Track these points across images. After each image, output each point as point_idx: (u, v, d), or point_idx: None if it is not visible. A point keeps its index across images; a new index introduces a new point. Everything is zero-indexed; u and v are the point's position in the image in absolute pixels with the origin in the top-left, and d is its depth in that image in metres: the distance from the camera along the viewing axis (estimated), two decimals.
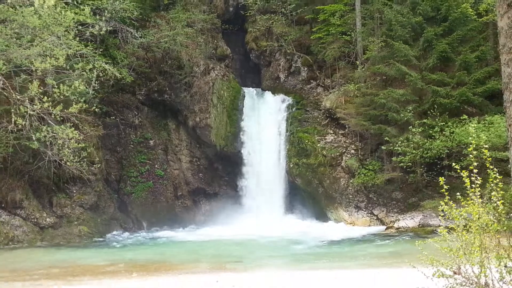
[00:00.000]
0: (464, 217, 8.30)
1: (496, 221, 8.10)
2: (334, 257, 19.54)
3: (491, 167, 8.19)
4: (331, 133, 30.70)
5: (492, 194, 8.12)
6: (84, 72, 22.16)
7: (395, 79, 28.59)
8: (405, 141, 25.62)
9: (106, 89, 28.16)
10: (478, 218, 8.11)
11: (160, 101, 32.60)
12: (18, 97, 19.75)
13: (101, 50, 26.96)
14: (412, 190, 27.32)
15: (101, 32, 23.26)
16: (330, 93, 32.02)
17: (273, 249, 23.06)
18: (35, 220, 25.90)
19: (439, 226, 8.86)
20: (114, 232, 28.58)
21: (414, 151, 25.41)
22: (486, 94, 26.01)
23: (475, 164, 8.34)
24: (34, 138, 21.09)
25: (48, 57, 19.63)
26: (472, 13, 27.20)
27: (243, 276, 15.98)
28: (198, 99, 32.17)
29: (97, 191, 28.46)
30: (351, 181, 28.75)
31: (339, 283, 13.58)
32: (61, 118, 20.94)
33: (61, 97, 19.24)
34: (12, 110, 19.71)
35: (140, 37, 30.08)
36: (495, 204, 8.13)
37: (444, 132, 25.12)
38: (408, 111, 26.09)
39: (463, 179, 8.30)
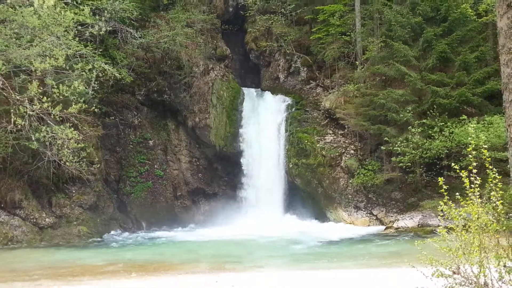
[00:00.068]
0: (464, 217, 8.29)
1: (495, 221, 8.10)
2: (333, 257, 19.52)
3: (490, 167, 8.19)
4: (330, 133, 30.72)
5: (491, 194, 8.11)
6: (83, 72, 22.19)
7: (394, 80, 28.62)
8: (404, 141, 25.62)
9: (106, 89, 28.15)
10: (478, 218, 8.10)
11: (159, 101, 32.59)
12: (18, 97, 19.73)
13: (100, 50, 26.99)
14: (412, 190, 27.34)
15: (101, 32, 23.26)
16: (330, 93, 32.02)
17: (273, 249, 23.06)
18: (35, 220, 25.90)
19: (439, 226, 8.97)
20: (114, 232, 28.58)
21: (413, 151, 25.41)
22: (486, 95, 26.02)
23: (475, 164, 8.33)
24: (33, 138, 21.01)
25: (47, 57, 19.67)
26: (472, 14, 27.18)
27: (242, 276, 15.95)
28: (198, 99, 32.16)
29: (97, 191, 28.45)
30: (350, 181, 28.77)
31: (338, 283, 13.54)
32: (61, 118, 21.01)
33: (61, 97, 19.28)
34: (12, 110, 19.74)
35: (139, 37, 30.06)
36: (494, 204, 8.11)
37: (443, 132, 25.11)
38: (408, 111, 26.09)
39: (463, 179, 8.29)
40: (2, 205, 25.38)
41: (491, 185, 8.14)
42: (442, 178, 9.00)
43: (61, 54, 20.13)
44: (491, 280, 7.89)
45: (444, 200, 8.44)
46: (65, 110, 19.70)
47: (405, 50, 26.95)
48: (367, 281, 13.58)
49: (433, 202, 23.79)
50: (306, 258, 20.20)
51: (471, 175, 8.27)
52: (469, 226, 8.14)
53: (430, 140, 25.40)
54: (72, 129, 20.86)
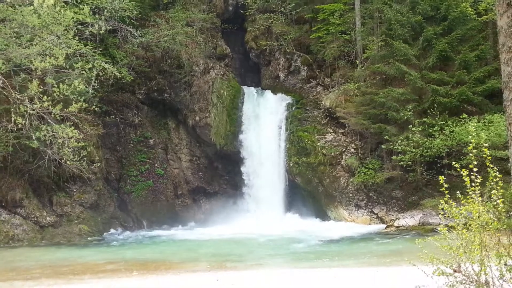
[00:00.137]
0: (464, 215, 8.30)
1: (496, 219, 8.09)
2: (334, 256, 19.46)
3: (491, 165, 8.17)
4: (331, 132, 30.68)
5: (492, 192, 8.11)
6: (83, 71, 22.22)
7: (394, 78, 28.58)
8: (405, 140, 25.60)
9: (106, 88, 28.18)
10: (478, 217, 8.10)
11: (159, 100, 32.61)
12: (18, 96, 19.83)
13: (100, 49, 27.01)
14: (412, 189, 27.30)
15: (101, 31, 23.44)
16: (330, 92, 31.97)
17: (273, 247, 23.04)
18: (35, 219, 26.00)
19: (439, 224, 8.76)
20: (114, 231, 28.69)
21: (414, 150, 25.36)
22: (486, 93, 25.98)
23: (475, 162, 8.34)
24: (34, 137, 21.15)
25: (47, 56, 19.71)
26: (472, 12, 27.20)
27: (243, 274, 15.95)
28: (198, 98, 32.17)
29: (97, 190, 28.54)
30: (351, 180, 28.75)
31: (338, 282, 13.50)
32: (61, 117, 20.97)
33: (61, 96, 19.34)
34: (12, 109, 19.79)
35: (139, 36, 30.08)
36: (495, 203, 8.12)
37: (444, 131, 25.11)
38: (408, 110, 26.08)
39: (463, 177, 8.27)
40: (3, 204, 25.45)
41: (492, 183, 8.12)
42: (442, 176, 8.96)
43: (61, 53, 20.10)
44: (492, 278, 7.88)
45: (445, 198, 8.43)
46: (65, 109, 19.73)
47: (405, 49, 26.93)
48: (367, 279, 13.54)
49: (433, 201, 23.81)
50: (307, 256, 20.14)
51: (471, 173, 8.27)
52: (470, 225, 8.13)
53: (430, 138, 25.36)
54: (73, 128, 20.92)
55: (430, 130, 25.46)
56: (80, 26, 23.24)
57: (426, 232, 22.45)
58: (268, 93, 34.39)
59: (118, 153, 31.48)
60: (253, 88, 35.44)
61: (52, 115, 20.27)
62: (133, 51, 30.35)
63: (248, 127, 32.61)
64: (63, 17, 20.49)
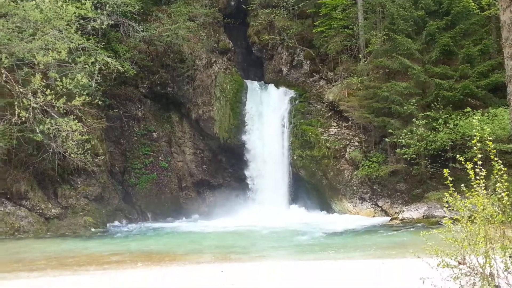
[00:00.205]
0: (469, 208, 8.24)
1: (500, 212, 8.04)
2: (339, 248, 19.50)
3: (495, 159, 8.12)
4: (334, 126, 30.73)
5: (496, 185, 8.06)
6: (86, 66, 22.21)
7: (398, 72, 28.61)
8: (408, 133, 25.63)
9: (109, 82, 28.22)
10: (483, 209, 8.03)
11: (163, 94, 32.65)
12: (21, 90, 19.93)
13: (103, 43, 27.06)
14: (417, 182, 27.33)
15: (103, 26, 23.32)
16: (333, 86, 32.01)
17: (277, 240, 23.09)
18: (41, 211, 26.16)
19: (444, 217, 8.71)
20: (119, 223, 28.96)
21: (418, 143, 25.39)
22: (490, 87, 26.02)
23: (479, 156, 8.29)
24: (38, 131, 21.22)
25: (50, 50, 19.74)
26: (475, 7, 27.16)
27: (247, 266, 16.04)
28: (201, 92, 32.23)
29: (102, 182, 28.72)
30: (355, 173, 28.83)
31: (343, 274, 13.54)
32: (64, 111, 21.06)
33: (64, 90, 19.39)
34: (16, 103, 19.92)
35: (142, 30, 30.09)
36: (500, 196, 8.07)
37: (448, 125, 25.14)
38: (412, 103, 26.07)
39: (468, 171, 8.19)
40: (8, 196, 25.63)
41: (496, 176, 8.05)
42: (447, 169, 8.88)
43: (64, 48, 20.17)
44: (497, 270, 7.83)
45: (449, 191, 8.38)
46: (68, 103, 19.85)
47: (408, 43, 26.92)
48: (372, 271, 13.56)
49: (438, 194, 23.85)
50: (311, 249, 20.12)
51: (476, 166, 8.22)
52: (474, 217, 8.08)
53: (434, 132, 25.39)
54: (76, 121, 21.00)
55: (434, 124, 25.49)
56: (82, 21, 23.07)
57: (430, 224, 22.55)
58: (271, 87, 34.42)
59: (122, 146, 31.60)
60: (256, 82, 35.47)
61: (56, 109, 20.41)
62: (136, 45, 30.35)
63: (251, 121, 32.69)
64: (65, 11, 20.45)
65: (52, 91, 19.16)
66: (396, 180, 27.93)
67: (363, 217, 27.50)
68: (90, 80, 24.23)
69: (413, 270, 10.31)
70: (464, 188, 8.43)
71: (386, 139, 27.35)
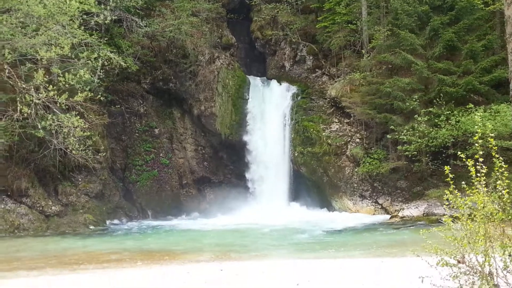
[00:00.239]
0: (469, 206, 8.16)
1: (501, 210, 7.98)
2: (338, 246, 19.41)
3: (496, 156, 8.07)
4: (336, 122, 30.62)
5: (497, 183, 8.00)
6: (89, 61, 22.17)
7: (400, 68, 28.49)
8: (410, 130, 25.56)
9: (111, 78, 28.11)
10: (483, 207, 7.97)
11: (165, 90, 32.56)
12: (24, 85, 19.82)
13: (106, 39, 27.10)
14: (417, 179, 27.27)
15: (106, 21, 23.50)
16: (336, 82, 31.87)
17: (277, 238, 22.97)
18: (41, 208, 26.09)
19: (444, 215, 8.75)
20: (119, 221, 28.83)
21: (419, 140, 25.32)
22: (493, 83, 25.91)
23: (481, 153, 8.22)
24: (39, 127, 21.11)
25: (53, 46, 19.63)
26: (479, 2, 26.95)
27: (247, 264, 15.92)
28: (203, 88, 32.12)
29: (102, 179, 28.63)
30: (356, 170, 28.71)
31: (343, 272, 13.45)
32: (67, 107, 21.10)
33: (66, 86, 19.35)
34: (18, 98, 19.83)
35: (145, 26, 29.94)
36: (500, 193, 8.01)
37: (449, 121, 25.03)
38: (414, 99, 25.98)
39: (469, 168, 8.14)
40: (9, 193, 25.56)
41: (497, 174, 8.01)
42: (448, 167, 8.82)
43: (67, 43, 20.08)
44: (496, 269, 7.79)
45: (449, 189, 8.28)
46: (71, 99, 19.81)
47: (411, 39, 26.82)
48: (372, 270, 13.48)
49: (438, 191, 23.78)
50: (311, 247, 19.99)
51: (477, 164, 8.16)
52: (474, 215, 8.01)
53: (436, 128, 25.31)
54: (78, 117, 20.93)
55: (436, 120, 25.37)
56: (85, 16, 23.06)
57: (430, 222, 22.44)
58: (273, 83, 34.33)
59: (123, 142, 31.53)
60: (258, 78, 35.39)
61: (58, 105, 20.43)
62: (139, 40, 30.24)
63: (253, 117, 32.58)
64: (69, 7, 20.37)
65: (55, 87, 19.11)
66: (396, 178, 27.83)
67: (363, 215, 27.46)
68: (93, 75, 24.12)
69: (413, 269, 10.38)
70: (465, 186, 8.35)
71: (388, 136, 27.29)
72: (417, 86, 26.80)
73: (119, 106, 30.15)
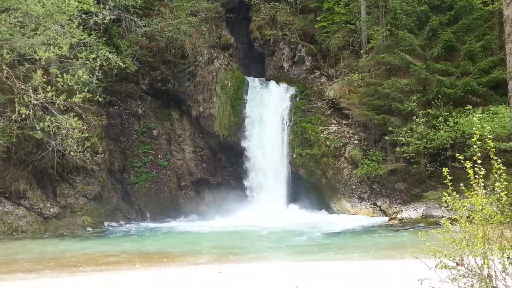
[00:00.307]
0: (467, 208, 8.12)
1: (499, 212, 7.91)
2: (336, 248, 19.39)
3: (495, 157, 8.01)
4: (334, 123, 30.53)
5: (495, 185, 7.93)
6: (87, 61, 22.10)
7: (399, 69, 28.44)
8: (408, 131, 25.49)
9: (110, 79, 27.94)
10: (482, 209, 7.91)
11: (163, 91, 32.45)
12: (22, 86, 19.81)
13: (104, 39, 26.92)
14: (416, 181, 27.19)
15: (105, 21, 23.47)
16: (334, 82, 31.79)
17: (276, 240, 22.96)
18: (39, 211, 26.03)
19: (442, 217, 8.66)
20: (118, 223, 28.81)
21: (417, 142, 25.25)
22: (491, 84, 25.85)
23: (479, 154, 8.18)
24: (38, 128, 21.07)
25: (51, 46, 19.59)
26: (478, 2, 26.88)
27: (245, 267, 15.91)
28: (202, 89, 32.02)
29: (101, 181, 28.56)
30: (354, 171, 28.59)
31: (342, 274, 13.49)
32: (65, 108, 20.74)
33: (65, 86, 19.24)
34: (16, 99, 19.75)
35: (143, 26, 29.80)
36: (499, 195, 7.94)
37: (448, 123, 24.99)
38: (412, 101, 25.91)
39: (467, 169, 8.11)
40: (7, 195, 25.47)
41: (496, 175, 7.92)
42: (446, 168, 8.75)
43: (65, 43, 20.01)
44: (495, 271, 7.73)
45: (448, 191, 8.25)
46: (69, 100, 19.74)
47: (410, 39, 26.77)
48: (371, 272, 13.49)
49: (437, 193, 23.85)
50: (309, 249, 20.04)
51: (475, 165, 8.13)
52: (473, 217, 7.98)
53: (434, 130, 25.26)
54: (76, 118, 20.85)
55: (434, 122, 25.33)
56: (84, 16, 22.99)
57: (429, 224, 22.49)
58: (272, 83, 34.23)
59: (122, 144, 31.42)
60: (257, 78, 35.30)
61: (56, 106, 20.19)
62: (137, 40, 30.11)
63: (251, 118, 32.47)
64: (67, 6, 20.37)
65: (53, 88, 19.03)
66: (395, 179, 27.76)
67: (361, 217, 27.38)
68: (91, 76, 24.05)
69: (412, 271, 10.22)
70: (463, 188, 8.32)
71: (386, 137, 27.20)
72: (415, 87, 26.75)
73: (117, 107, 30.01)
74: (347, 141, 29.78)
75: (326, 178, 29.62)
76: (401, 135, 25.61)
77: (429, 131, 25.27)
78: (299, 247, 20.96)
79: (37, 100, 19.44)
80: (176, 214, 31.05)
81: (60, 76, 19.37)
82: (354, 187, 28.76)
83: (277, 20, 35.24)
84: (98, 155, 25.36)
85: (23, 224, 25.13)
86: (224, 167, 33.78)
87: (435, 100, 25.53)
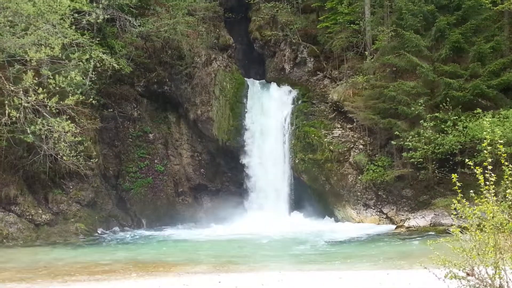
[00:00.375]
0: (478, 216, 8.22)
1: (511, 220, 8.02)
2: (340, 258, 19.18)
3: (506, 163, 8.15)
4: (338, 127, 30.10)
5: (507, 192, 8.08)
6: (80, 62, 21.92)
7: (405, 71, 28.10)
8: (416, 135, 25.19)
9: (104, 80, 27.67)
10: (493, 217, 8.00)
11: (159, 93, 32.02)
12: (12, 88, 19.95)
13: (98, 39, 26.60)
14: (423, 188, 26.80)
15: (98, 21, 23.97)
16: (338, 85, 31.36)
17: (277, 249, 22.81)
18: (30, 217, 25.80)
19: (452, 225, 8.69)
20: (112, 230, 28.42)
21: (425, 147, 24.96)
22: (501, 87, 25.48)
23: (490, 160, 8.25)
24: (29, 131, 21.17)
25: (43, 46, 19.77)
26: (487, 2, 26.40)
27: (245, 276, 15.65)
28: (200, 91, 31.54)
29: (95, 187, 28.28)
30: (359, 177, 28.21)
31: (346, 284, 13.33)
32: (57, 111, 20.96)
33: (57, 88, 19.59)
34: (6, 101, 19.88)
35: (139, 25, 29.37)
36: (511, 203, 8.06)
37: (457, 127, 24.62)
38: (419, 104, 25.59)
39: (477, 176, 8.17)
40: None
41: (507, 182, 8.08)
42: (455, 174, 8.90)
43: (57, 43, 20.17)
44: (507, 282, 7.86)
45: (457, 198, 8.31)
46: (61, 102, 19.87)
47: (416, 40, 26.43)
48: (376, 282, 13.17)
49: (446, 200, 23.60)
50: (312, 258, 19.87)
51: (486, 171, 8.21)
52: (483, 226, 8.07)
53: (443, 134, 24.91)
54: (69, 121, 20.87)
55: (443, 126, 24.95)
56: (76, 15, 22.86)
57: (438, 233, 22.10)
58: (273, 86, 33.72)
59: (116, 148, 30.96)
60: (257, 80, 34.88)
61: (48, 108, 20.27)
62: (132, 41, 29.77)
63: (251, 122, 32.06)
64: (59, 5, 20.43)
65: (45, 90, 19.14)
66: (402, 186, 27.35)
67: (367, 225, 27.05)
68: (84, 78, 23.81)
69: (419, 282, 10.97)
70: (473, 195, 8.43)
71: (392, 142, 26.84)
72: (422, 90, 26.44)
73: (111, 110, 29.69)
74: (352, 145, 29.40)
75: (330, 184, 29.21)
76: (408, 140, 25.30)
77: (437, 135, 24.96)
78: (302, 256, 20.74)
79: (28, 103, 19.46)
80: (173, 221, 30.57)
81: (52, 77, 19.37)
82: (359, 193, 28.37)
83: (277, 20, 34.81)
84: (91, 160, 25.05)
85: (13, 231, 24.80)
86: (224, 172, 33.27)
87: (443, 104, 25.14)
